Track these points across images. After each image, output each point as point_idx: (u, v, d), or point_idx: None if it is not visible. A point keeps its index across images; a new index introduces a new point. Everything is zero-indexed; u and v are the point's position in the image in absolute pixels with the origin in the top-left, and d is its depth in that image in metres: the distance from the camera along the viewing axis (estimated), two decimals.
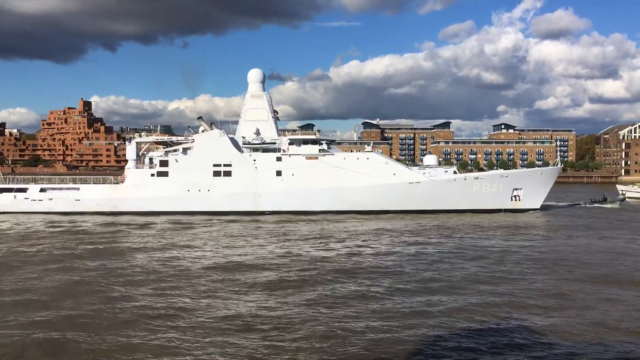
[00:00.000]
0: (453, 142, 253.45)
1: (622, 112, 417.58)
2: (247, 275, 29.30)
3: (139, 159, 66.13)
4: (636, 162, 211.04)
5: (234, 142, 64.72)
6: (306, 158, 63.85)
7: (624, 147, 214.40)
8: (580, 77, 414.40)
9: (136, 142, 66.45)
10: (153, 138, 69.34)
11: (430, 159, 68.12)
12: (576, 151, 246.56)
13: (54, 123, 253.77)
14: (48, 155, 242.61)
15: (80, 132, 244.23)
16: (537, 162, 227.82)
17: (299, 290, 25.99)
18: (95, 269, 31.14)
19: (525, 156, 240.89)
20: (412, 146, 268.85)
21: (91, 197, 63.38)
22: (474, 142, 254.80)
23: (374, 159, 64.15)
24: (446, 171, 64.90)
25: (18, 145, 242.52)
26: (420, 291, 25.73)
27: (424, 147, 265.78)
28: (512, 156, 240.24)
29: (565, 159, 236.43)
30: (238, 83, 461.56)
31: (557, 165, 66.87)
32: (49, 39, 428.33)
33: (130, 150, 65.63)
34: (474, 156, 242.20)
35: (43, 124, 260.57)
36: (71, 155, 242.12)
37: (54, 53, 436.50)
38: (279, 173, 63.64)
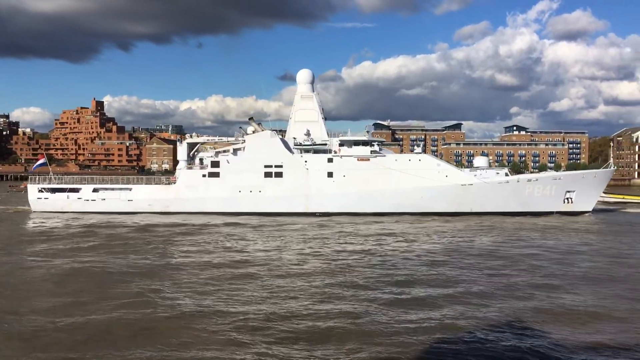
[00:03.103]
0: (464, 144, 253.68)
1: (636, 115, 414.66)
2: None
3: (190, 160, 66.15)
4: None
5: (285, 143, 64.71)
6: (357, 159, 63.84)
7: (637, 149, 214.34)
8: (596, 78, 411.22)
9: (187, 143, 66.48)
10: (204, 139, 69.33)
11: (480, 161, 68.03)
12: (589, 153, 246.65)
13: (66, 122, 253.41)
14: (61, 154, 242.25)
15: (93, 132, 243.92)
16: (549, 165, 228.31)
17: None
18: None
19: (537, 158, 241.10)
20: (423, 148, 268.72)
21: (143, 197, 63.40)
22: (485, 144, 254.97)
23: (426, 160, 64.25)
24: (497, 173, 64.93)
25: (31, 145, 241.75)
26: None
27: (435, 148, 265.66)
28: (523, 158, 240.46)
29: (578, 161, 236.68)
30: (250, 83, 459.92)
31: (610, 167, 66.84)
32: (64, 39, 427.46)
33: (182, 151, 65.69)
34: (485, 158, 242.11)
35: (56, 124, 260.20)
36: (83, 154, 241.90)
37: (69, 53, 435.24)
38: (330, 174, 63.64)
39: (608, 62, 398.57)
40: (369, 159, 63.75)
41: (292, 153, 64.37)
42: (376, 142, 65.40)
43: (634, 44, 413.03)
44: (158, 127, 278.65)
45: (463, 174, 64.16)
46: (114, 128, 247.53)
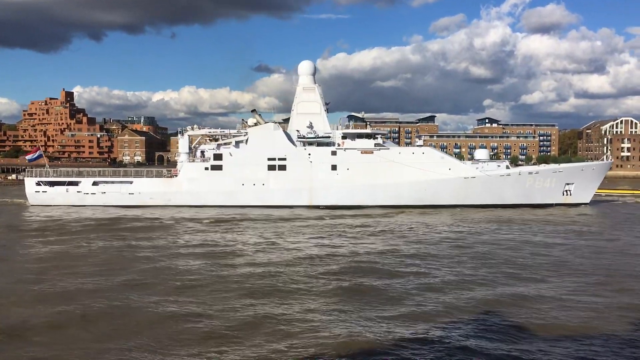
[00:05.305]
0: (437, 136, 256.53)
1: (605, 108, 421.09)
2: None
3: (191, 152, 65.09)
4: (617, 157, 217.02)
5: (288, 136, 64.18)
6: (361, 152, 63.74)
7: (605, 142, 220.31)
8: (567, 71, 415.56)
9: (188, 135, 65.37)
10: (205, 131, 68.24)
11: (481, 153, 68.57)
12: (559, 146, 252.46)
13: (35, 114, 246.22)
14: (29, 146, 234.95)
15: (62, 123, 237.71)
16: (520, 157, 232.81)
17: None
18: None
19: (509, 151, 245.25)
20: (397, 140, 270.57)
21: (145, 190, 62.23)
22: (458, 136, 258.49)
23: (429, 153, 64.61)
24: (499, 165, 65.71)
25: None
26: None
27: (409, 140, 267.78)
28: (495, 150, 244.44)
29: (548, 153, 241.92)
30: (224, 74, 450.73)
31: (607, 160, 68.34)
32: (33, 28, 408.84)
33: (183, 144, 64.58)
34: (457, 150, 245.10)
35: (24, 115, 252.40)
36: (53, 146, 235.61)
37: (38, 42, 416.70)
38: (334, 167, 63.45)
39: (579, 55, 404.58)
40: (372, 152, 63.71)
41: (295, 146, 63.90)
42: (379, 135, 65.44)
43: (605, 37, 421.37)
44: (130, 119, 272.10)
45: (466, 166, 64.76)
46: (85, 119, 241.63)
